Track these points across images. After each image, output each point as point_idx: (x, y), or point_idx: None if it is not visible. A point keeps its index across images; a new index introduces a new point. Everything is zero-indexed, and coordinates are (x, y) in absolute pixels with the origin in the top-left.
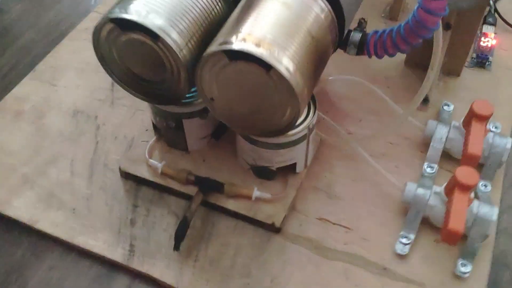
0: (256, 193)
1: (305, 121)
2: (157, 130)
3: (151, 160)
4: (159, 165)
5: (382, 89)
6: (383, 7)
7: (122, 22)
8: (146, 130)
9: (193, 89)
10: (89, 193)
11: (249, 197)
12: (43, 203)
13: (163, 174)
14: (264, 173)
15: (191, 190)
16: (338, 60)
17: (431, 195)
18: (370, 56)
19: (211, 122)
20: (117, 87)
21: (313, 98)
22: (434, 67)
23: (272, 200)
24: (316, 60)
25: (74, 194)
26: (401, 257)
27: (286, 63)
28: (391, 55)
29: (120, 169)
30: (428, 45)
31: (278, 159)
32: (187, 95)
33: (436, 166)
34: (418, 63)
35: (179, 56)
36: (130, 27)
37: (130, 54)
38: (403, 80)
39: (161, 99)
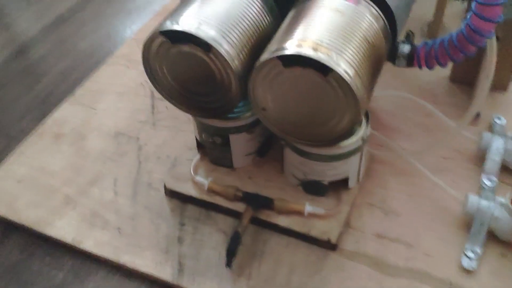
0: (308, 208)
1: (359, 132)
2: (201, 148)
3: (197, 177)
4: (205, 181)
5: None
6: (420, 25)
7: (173, 34)
8: (190, 149)
9: (240, 104)
10: (134, 212)
11: (301, 213)
12: (86, 223)
13: (210, 191)
14: (315, 189)
15: (239, 207)
16: (382, 78)
17: (495, 207)
18: (420, 68)
19: (257, 138)
20: (158, 108)
21: (365, 111)
22: (490, 75)
23: (326, 216)
24: (373, 66)
25: (118, 213)
26: (467, 272)
27: (344, 67)
28: (443, 66)
29: (165, 187)
30: (473, 61)
31: (330, 172)
32: (235, 109)
33: (495, 178)
34: (463, 79)
35: (232, 66)
36: (181, 39)
37: (180, 68)
38: (448, 96)
39: (210, 112)
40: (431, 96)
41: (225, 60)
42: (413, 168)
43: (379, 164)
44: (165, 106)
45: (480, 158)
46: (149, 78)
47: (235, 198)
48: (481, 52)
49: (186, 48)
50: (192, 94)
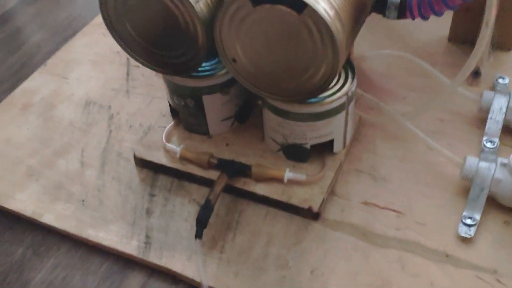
0: (288, 174)
1: (344, 88)
2: (175, 114)
3: (168, 145)
4: (177, 149)
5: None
6: None
7: None
8: (164, 115)
9: (214, 61)
10: (101, 184)
11: (280, 180)
12: (49, 196)
13: (182, 158)
14: (297, 154)
15: (214, 175)
16: (374, 37)
17: (496, 168)
18: (413, 18)
19: (234, 101)
20: (133, 76)
21: (350, 64)
22: (490, 22)
23: (308, 182)
24: (357, 12)
25: (83, 185)
26: (465, 241)
27: (324, 5)
28: (438, 14)
29: (135, 156)
30: (473, 18)
31: (312, 134)
32: (207, 67)
33: (497, 140)
34: (463, 39)
35: (196, 9)
36: None
37: (141, 17)
38: (447, 57)
39: (178, 68)
40: (428, 56)
41: (188, 2)
42: (406, 132)
43: (369, 128)
44: (141, 73)
45: (480, 119)
46: (110, 30)
47: (210, 166)
48: (482, 6)
49: None
50: (156, 48)
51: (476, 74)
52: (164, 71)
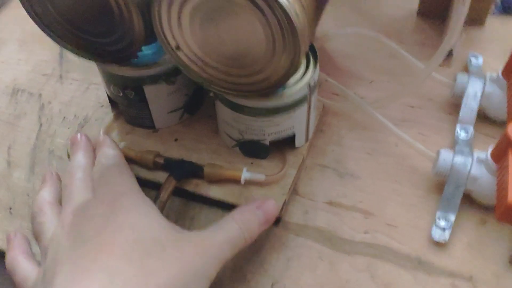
0: (245, 174)
1: (305, 77)
2: (114, 105)
3: None
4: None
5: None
6: None
7: None
8: (102, 106)
9: (155, 46)
10: (31, 188)
11: (237, 181)
12: None
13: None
14: (254, 150)
15: (161, 176)
16: (338, 12)
17: (472, 164)
18: None
19: (182, 91)
20: (66, 58)
21: (312, 49)
22: (466, 1)
23: (267, 183)
24: None
25: (11, 189)
26: (439, 245)
27: None
28: None
29: (68, 155)
30: None
31: (271, 129)
32: (147, 53)
33: (471, 128)
34: (433, 13)
35: None
36: None
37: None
38: (416, 33)
39: (113, 56)
40: (396, 34)
41: None
42: (374, 121)
43: (333, 116)
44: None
45: (454, 105)
46: (28, 11)
47: (156, 166)
48: None
49: None
50: (86, 34)
51: (449, 54)
52: (98, 60)
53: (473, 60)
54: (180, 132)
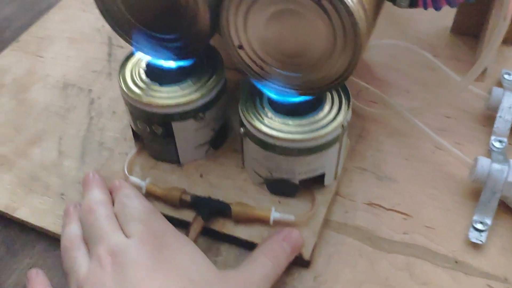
0: (274, 214)
1: (338, 117)
2: (138, 139)
3: (132, 178)
4: (142, 183)
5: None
6: None
7: None
8: (125, 139)
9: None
10: (81, 176)
11: (265, 221)
12: (24, 188)
13: (149, 194)
14: (283, 189)
15: (187, 215)
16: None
17: (509, 171)
18: (426, 8)
19: (210, 126)
20: (116, 57)
21: (345, 89)
22: (507, 18)
23: (297, 224)
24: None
25: (62, 177)
26: (476, 247)
27: None
28: (453, 4)
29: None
30: (478, 10)
31: (302, 169)
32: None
33: (506, 140)
34: (467, 31)
35: None
36: None
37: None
38: (450, 49)
39: (176, 52)
40: (429, 48)
41: None
42: (411, 128)
43: (372, 123)
44: (124, 54)
45: (487, 117)
46: (103, 14)
47: (182, 204)
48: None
49: None
50: (151, 29)
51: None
52: (158, 56)
53: (507, 76)
54: (205, 167)
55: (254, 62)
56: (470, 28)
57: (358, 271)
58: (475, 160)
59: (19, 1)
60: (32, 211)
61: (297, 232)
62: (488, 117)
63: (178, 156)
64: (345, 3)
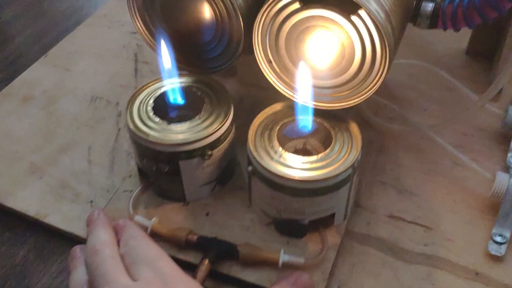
0: (283, 257)
1: (349, 158)
2: (144, 177)
3: (137, 217)
4: (147, 222)
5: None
6: None
7: None
8: (130, 176)
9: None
10: (110, 184)
11: (274, 264)
12: (54, 195)
13: (154, 234)
14: (291, 229)
15: (193, 256)
16: None
17: None
18: (445, 29)
19: (216, 164)
20: (142, 72)
21: (356, 129)
22: None
23: (306, 266)
24: (403, 15)
25: (91, 185)
26: (495, 259)
27: (375, 6)
28: (472, 26)
29: None
30: (492, 32)
31: (312, 209)
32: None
33: None
34: (482, 52)
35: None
36: None
37: (174, 12)
38: (466, 70)
39: (207, 65)
40: (446, 68)
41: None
42: (430, 145)
43: (391, 139)
44: (150, 70)
45: (504, 137)
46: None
47: (188, 245)
48: (503, 21)
49: None
50: (185, 42)
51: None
52: (192, 69)
53: None
54: (211, 206)
55: (283, 76)
56: (485, 52)
57: (381, 281)
58: (494, 175)
59: (47, 18)
60: (62, 217)
61: (307, 276)
62: (505, 135)
63: (184, 194)
64: (378, 20)
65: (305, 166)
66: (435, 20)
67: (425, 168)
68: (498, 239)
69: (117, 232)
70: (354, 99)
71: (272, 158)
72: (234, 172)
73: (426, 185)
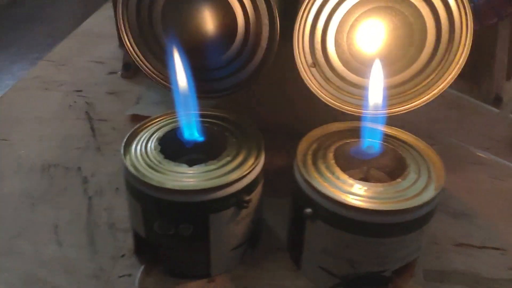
0: None
1: (430, 185)
2: (146, 252)
3: None
4: None
5: None
6: None
7: None
8: (123, 255)
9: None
10: (98, 268)
11: None
12: None
13: None
14: None
15: None
16: None
17: None
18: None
19: (250, 216)
20: (101, 131)
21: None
22: None
23: None
24: None
25: (70, 272)
26: None
27: None
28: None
29: None
30: (470, 54)
31: (398, 254)
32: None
33: None
34: (464, 75)
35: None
36: None
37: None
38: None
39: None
40: None
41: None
42: (460, 162)
43: None
44: (111, 127)
45: None
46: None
47: None
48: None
49: None
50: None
51: (499, 100)
52: (202, 95)
53: None
54: (246, 279)
55: (325, 80)
56: (466, 73)
57: None
58: None
59: None
60: None
61: None
62: None
63: (209, 266)
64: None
65: (387, 195)
66: None
67: (465, 187)
68: None
69: None
70: (429, 93)
71: (342, 191)
72: (262, 228)
73: (476, 204)
